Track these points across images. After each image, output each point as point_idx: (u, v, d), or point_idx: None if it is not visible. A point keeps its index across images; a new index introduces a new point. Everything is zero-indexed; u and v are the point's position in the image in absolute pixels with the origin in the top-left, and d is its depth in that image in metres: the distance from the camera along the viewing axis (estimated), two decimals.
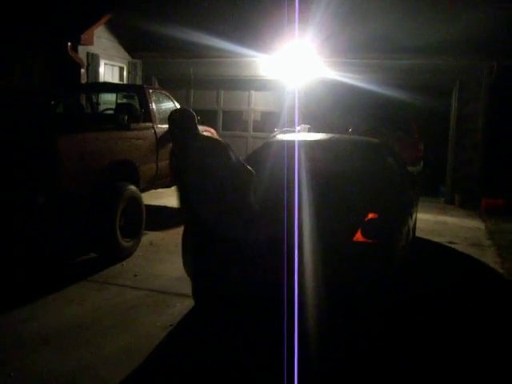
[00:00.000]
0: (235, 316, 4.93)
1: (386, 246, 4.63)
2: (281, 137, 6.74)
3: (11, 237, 6.30)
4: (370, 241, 4.57)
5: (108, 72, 12.65)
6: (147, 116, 7.88)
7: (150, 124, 7.80)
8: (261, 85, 13.45)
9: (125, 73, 13.37)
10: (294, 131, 8.96)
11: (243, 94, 13.54)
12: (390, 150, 6.65)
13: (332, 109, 12.62)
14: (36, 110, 8.77)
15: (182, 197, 4.70)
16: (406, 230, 5.16)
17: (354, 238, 4.56)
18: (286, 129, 9.39)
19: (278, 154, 5.50)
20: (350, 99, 12.80)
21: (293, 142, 5.88)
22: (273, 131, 10.44)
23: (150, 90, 8.34)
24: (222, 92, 13.90)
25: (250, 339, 4.54)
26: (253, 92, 13.70)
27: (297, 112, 10.53)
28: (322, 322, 4.51)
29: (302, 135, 6.37)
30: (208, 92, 13.97)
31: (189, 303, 5.31)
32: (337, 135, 6.90)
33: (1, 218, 6.06)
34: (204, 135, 4.88)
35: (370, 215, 4.64)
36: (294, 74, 12.32)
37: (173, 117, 4.69)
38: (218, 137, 10.00)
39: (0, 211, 5.95)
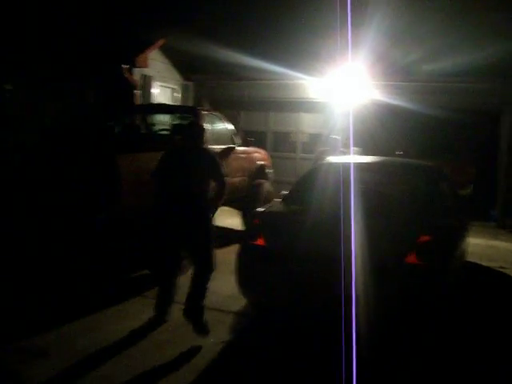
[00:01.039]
0: (290, 334, 5.03)
1: (439, 270, 4.66)
2: (335, 159, 6.82)
3: (74, 253, 6.51)
4: (422, 263, 4.59)
5: (161, 93, 13.00)
6: None
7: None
8: (310, 107, 13.58)
9: (176, 94, 13.71)
10: (346, 152, 9.07)
11: (292, 116, 13.70)
12: (441, 173, 6.66)
13: (381, 131, 12.62)
14: (95, 130, 9.06)
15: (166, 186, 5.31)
16: (458, 253, 5.17)
17: (407, 260, 4.60)
18: (341, 149, 9.47)
19: (333, 175, 5.58)
20: (400, 122, 12.78)
21: (348, 164, 5.96)
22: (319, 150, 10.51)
23: (204, 112, 8.55)
24: (271, 114, 14.08)
25: (304, 360, 4.62)
26: (302, 114, 13.83)
27: (351, 134, 10.58)
28: (373, 343, 4.55)
29: (356, 157, 6.45)
30: (257, 113, 14.17)
31: (240, 320, 5.42)
32: (390, 158, 6.96)
33: (65, 236, 6.29)
34: (204, 148, 5.46)
35: (424, 238, 4.67)
36: (344, 97, 12.41)
37: (188, 128, 5.65)
38: (265, 157, 10.18)
39: (64, 229, 6.19)
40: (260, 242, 5.08)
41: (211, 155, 5.34)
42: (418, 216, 5.14)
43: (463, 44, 11.78)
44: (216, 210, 5.59)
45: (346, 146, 10.50)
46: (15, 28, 10.78)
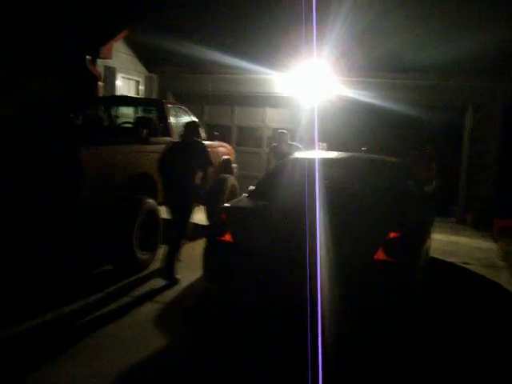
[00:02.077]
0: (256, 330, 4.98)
1: (407, 265, 4.65)
2: (301, 154, 6.78)
3: (29, 245, 6.34)
4: (391, 259, 4.59)
5: (124, 85, 12.77)
6: (166, 130, 7.95)
7: (168, 138, 7.86)
8: (275, 102, 13.53)
9: (140, 86, 13.49)
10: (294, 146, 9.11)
11: (258, 111, 13.62)
12: (407, 169, 6.69)
13: (346, 127, 12.66)
14: (56, 122, 8.84)
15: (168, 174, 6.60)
16: (425, 249, 5.18)
17: (375, 257, 4.58)
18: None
19: (299, 171, 5.54)
20: (364, 118, 12.82)
21: (313, 159, 5.93)
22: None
23: (169, 105, 8.43)
24: (237, 108, 13.99)
25: (269, 358, 4.58)
26: (267, 109, 13.77)
27: (316, 129, 10.59)
28: (339, 339, 4.53)
29: (322, 153, 6.42)
30: (223, 107, 14.05)
31: (207, 317, 5.35)
32: (355, 154, 6.96)
33: (20, 226, 6.10)
34: (197, 140, 6.91)
35: (392, 234, 4.66)
36: (309, 92, 12.40)
37: (186, 125, 6.96)
38: (230, 152, 10.10)
39: (20, 219, 6.01)
40: (227, 237, 5.01)
41: (203, 147, 6.80)
42: (385, 212, 5.14)
43: (429, 41, 11.90)
44: (204, 191, 7.02)
45: (301, 140, 10.53)
46: None
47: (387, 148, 11.49)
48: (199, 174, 6.58)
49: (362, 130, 12.51)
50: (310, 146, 9.45)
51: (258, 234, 4.89)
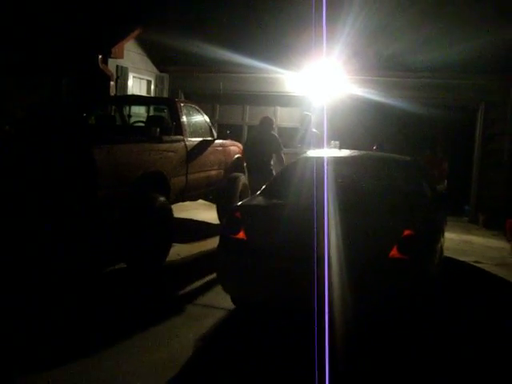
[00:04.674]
0: (269, 329, 4.98)
1: (421, 264, 4.64)
2: (314, 153, 6.76)
3: (45, 244, 6.37)
4: (406, 257, 4.57)
5: (136, 85, 12.82)
6: (178, 129, 7.96)
7: (180, 137, 7.88)
8: (286, 101, 13.55)
9: (152, 86, 13.55)
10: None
11: (269, 110, 13.61)
12: (420, 168, 6.67)
13: (357, 126, 12.64)
14: (68, 122, 8.88)
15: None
16: (439, 248, 5.17)
17: (390, 254, 4.57)
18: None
19: (312, 169, 5.53)
20: (375, 117, 12.81)
21: (326, 158, 5.92)
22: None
23: (182, 104, 8.43)
24: (248, 107, 14.00)
25: (280, 351, 4.58)
26: (278, 108, 13.79)
27: (325, 128, 10.60)
28: (352, 337, 4.53)
29: (333, 152, 6.40)
30: (234, 107, 14.08)
31: (219, 315, 5.36)
32: (368, 152, 6.94)
33: (36, 225, 6.12)
34: (270, 132, 9.28)
35: (407, 232, 4.64)
36: (320, 91, 12.39)
37: (261, 120, 9.38)
38: (242, 151, 10.09)
39: (37, 218, 6.03)
40: (241, 235, 5.00)
41: (275, 136, 9.33)
42: (400, 210, 5.13)
43: (440, 40, 11.86)
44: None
45: (311, 140, 10.57)
46: None
47: (399, 147, 11.48)
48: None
49: (373, 129, 12.49)
50: (321, 144, 9.54)
51: (272, 232, 4.88)
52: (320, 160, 5.88)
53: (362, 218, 4.86)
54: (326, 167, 5.52)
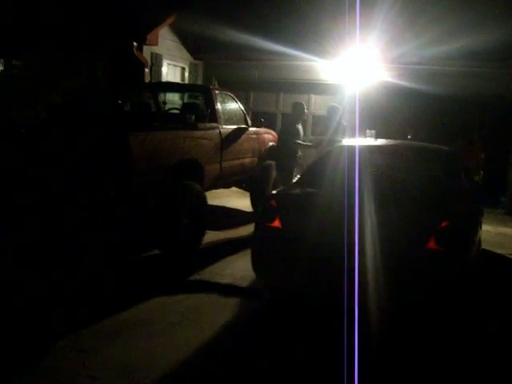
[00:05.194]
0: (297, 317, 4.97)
1: (459, 255, 4.57)
2: (350, 141, 6.70)
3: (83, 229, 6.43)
4: (444, 249, 4.51)
5: (170, 72, 12.87)
6: (213, 116, 7.96)
7: (215, 124, 7.88)
8: (320, 89, 13.46)
9: (186, 73, 13.57)
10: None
11: (303, 98, 13.52)
12: (458, 158, 6.55)
13: (392, 115, 12.50)
14: (105, 108, 8.94)
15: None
16: (477, 240, 5.08)
17: (428, 246, 4.51)
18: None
19: (349, 158, 5.47)
20: (410, 105, 12.65)
21: (363, 147, 5.86)
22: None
23: (217, 91, 8.42)
24: (282, 95, 13.94)
25: (309, 341, 4.57)
26: (312, 96, 13.70)
27: (357, 117, 10.47)
28: (387, 328, 4.50)
29: (369, 141, 6.31)
30: (268, 94, 14.04)
31: (251, 304, 5.37)
32: (405, 142, 6.84)
33: (74, 211, 6.19)
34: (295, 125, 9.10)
35: (445, 223, 4.57)
36: (355, 79, 12.26)
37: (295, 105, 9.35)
38: (276, 139, 10.04)
39: (74, 204, 6.10)
40: (276, 223, 4.99)
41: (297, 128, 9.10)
42: (438, 201, 5.04)
43: (477, 27, 11.59)
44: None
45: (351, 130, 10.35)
46: (26, 4, 10.63)
47: (433, 136, 11.31)
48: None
49: (409, 118, 12.34)
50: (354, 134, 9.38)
51: (307, 221, 4.85)
52: (356, 149, 5.82)
53: (398, 209, 4.79)
54: (361, 156, 5.47)
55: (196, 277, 6.16)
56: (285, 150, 9.06)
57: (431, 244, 4.51)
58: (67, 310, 4.92)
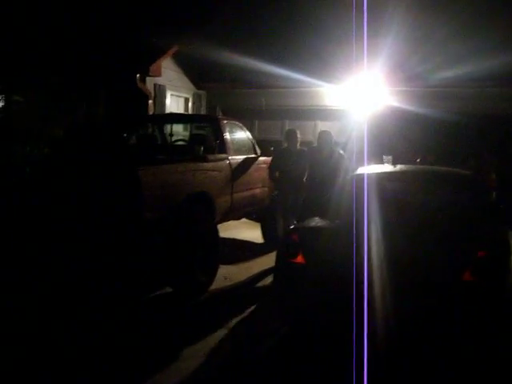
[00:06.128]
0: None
1: (496, 286, 4.31)
2: (370, 169, 6.41)
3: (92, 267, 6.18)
4: (480, 280, 4.25)
5: (173, 103, 12.74)
6: (222, 147, 7.76)
7: (224, 155, 7.67)
8: (326, 114, 13.29)
9: (189, 103, 13.44)
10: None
11: (309, 125, 13.37)
12: (481, 182, 6.33)
13: (399, 138, 12.30)
14: (109, 143, 8.74)
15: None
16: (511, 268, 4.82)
17: (463, 278, 4.25)
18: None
19: (371, 187, 5.21)
20: (418, 129, 12.46)
21: (385, 175, 5.63)
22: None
23: (225, 121, 8.23)
24: (287, 122, 13.77)
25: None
26: (318, 122, 13.53)
27: (366, 141, 10.23)
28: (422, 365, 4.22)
29: (389, 167, 6.05)
30: (273, 122, 13.87)
31: (271, 341, 5.16)
32: (426, 167, 6.62)
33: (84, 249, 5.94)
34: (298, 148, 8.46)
35: (481, 253, 4.32)
36: (362, 104, 12.10)
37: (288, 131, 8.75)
38: None
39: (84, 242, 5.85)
40: (299, 259, 4.73)
41: (303, 152, 8.36)
42: (469, 229, 4.79)
43: (481, 49, 11.50)
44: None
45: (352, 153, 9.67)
46: (26, 38, 10.51)
47: (442, 159, 11.08)
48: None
49: (416, 141, 12.14)
50: (373, 159, 8.86)
51: (332, 255, 4.60)
52: (376, 177, 5.59)
53: (430, 240, 4.54)
54: (384, 184, 5.24)
55: (212, 314, 5.88)
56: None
57: (467, 275, 4.25)
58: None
